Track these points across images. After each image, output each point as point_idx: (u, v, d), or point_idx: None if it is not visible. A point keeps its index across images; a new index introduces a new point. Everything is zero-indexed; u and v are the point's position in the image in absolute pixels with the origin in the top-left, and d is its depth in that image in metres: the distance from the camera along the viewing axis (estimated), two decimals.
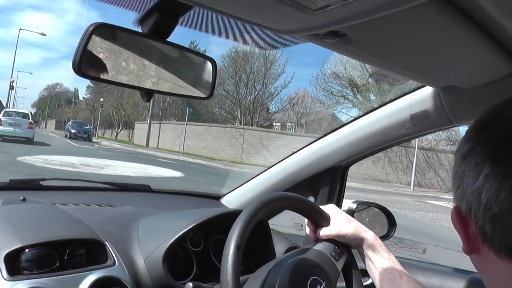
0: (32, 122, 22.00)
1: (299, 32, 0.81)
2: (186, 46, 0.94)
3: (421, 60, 1.00)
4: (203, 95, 0.99)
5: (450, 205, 0.73)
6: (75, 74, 0.77)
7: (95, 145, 29.15)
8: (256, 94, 32.73)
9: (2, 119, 20.17)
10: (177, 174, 14.84)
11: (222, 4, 0.72)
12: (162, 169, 15.97)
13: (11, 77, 38.05)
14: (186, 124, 27.99)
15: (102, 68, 0.82)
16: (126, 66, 0.85)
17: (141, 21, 0.86)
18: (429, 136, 28.85)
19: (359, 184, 19.26)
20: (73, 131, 34.05)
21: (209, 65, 0.99)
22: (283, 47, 1.00)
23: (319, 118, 30.15)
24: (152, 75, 0.90)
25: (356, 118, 1.51)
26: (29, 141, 20.35)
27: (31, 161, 12.44)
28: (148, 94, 0.91)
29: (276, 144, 24.08)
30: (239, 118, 32.41)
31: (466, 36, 0.83)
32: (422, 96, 1.28)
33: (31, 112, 26.48)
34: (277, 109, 34.53)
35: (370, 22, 0.72)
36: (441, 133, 28.47)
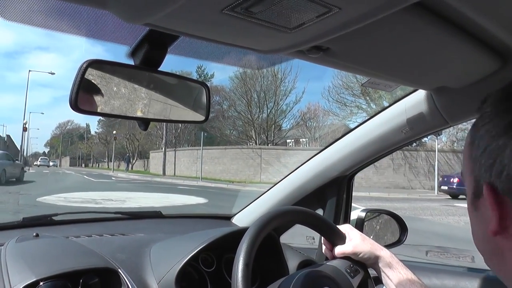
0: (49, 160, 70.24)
1: (283, 50, 0.83)
2: (190, 71, 0.97)
3: (408, 65, 1.02)
4: (199, 119, 1.03)
5: None
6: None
7: (112, 178, 29.25)
8: (268, 112, 32.79)
9: (40, 159, 67.34)
10: (201, 200, 14.48)
11: (205, 31, 0.76)
12: (184, 196, 15.65)
13: (24, 119, 39.00)
14: (202, 149, 27.98)
15: (98, 102, 0.86)
16: (121, 98, 0.89)
17: (133, 54, 0.90)
18: (443, 138, 28.50)
19: (383, 193, 19.01)
20: None
21: (202, 90, 1.02)
22: (271, 66, 1.03)
23: (332, 131, 30.01)
24: (148, 105, 0.93)
25: (355, 127, 1.53)
26: (48, 166, 59.18)
27: (51, 200, 12.29)
28: (145, 123, 0.95)
29: (294, 160, 23.90)
30: (254, 138, 32.39)
31: (447, 38, 0.85)
32: (416, 100, 1.30)
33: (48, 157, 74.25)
34: (290, 125, 34.49)
35: (351, 34, 0.75)
36: (456, 133, 28.12)
